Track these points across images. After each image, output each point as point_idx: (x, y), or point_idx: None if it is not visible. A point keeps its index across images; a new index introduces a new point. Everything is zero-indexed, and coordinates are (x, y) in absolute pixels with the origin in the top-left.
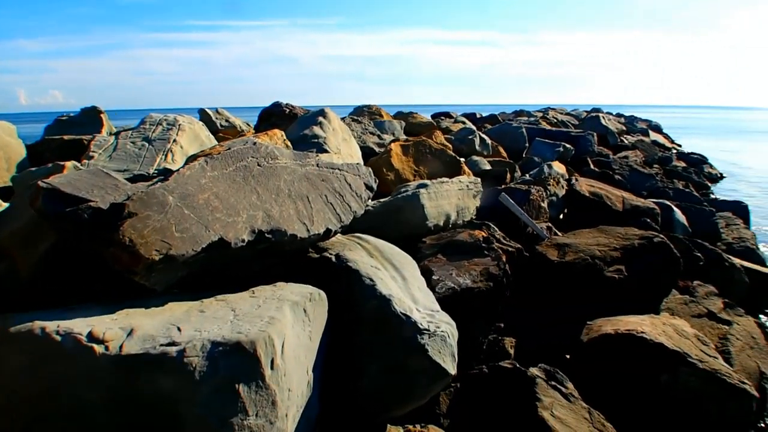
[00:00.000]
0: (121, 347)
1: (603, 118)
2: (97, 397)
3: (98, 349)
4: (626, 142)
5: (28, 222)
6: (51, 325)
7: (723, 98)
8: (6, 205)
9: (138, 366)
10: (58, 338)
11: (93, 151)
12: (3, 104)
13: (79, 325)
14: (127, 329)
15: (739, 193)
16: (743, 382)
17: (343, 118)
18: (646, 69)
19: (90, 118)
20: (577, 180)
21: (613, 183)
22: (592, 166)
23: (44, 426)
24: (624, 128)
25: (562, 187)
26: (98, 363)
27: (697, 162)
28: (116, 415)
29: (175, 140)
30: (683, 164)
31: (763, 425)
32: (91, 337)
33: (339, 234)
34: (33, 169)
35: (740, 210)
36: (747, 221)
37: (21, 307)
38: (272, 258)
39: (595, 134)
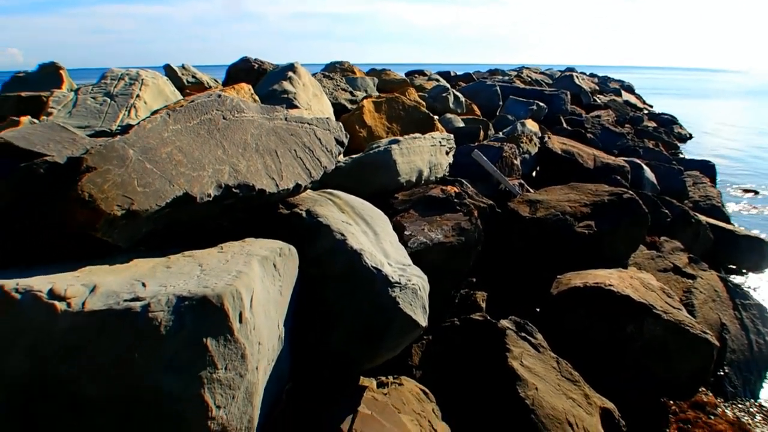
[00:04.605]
0: (83, 304)
1: (576, 77)
2: (58, 356)
3: (60, 306)
4: (599, 101)
5: None
6: (9, 284)
7: (695, 60)
8: None
9: (102, 323)
10: (17, 296)
11: (52, 108)
12: None
13: (40, 283)
14: (89, 286)
15: (707, 152)
16: (705, 332)
17: (314, 75)
18: (619, 30)
19: (49, 75)
20: (549, 138)
21: (585, 141)
22: (564, 125)
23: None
24: (597, 88)
25: (535, 144)
26: (60, 320)
27: (668, 122)
28: (77, 377)
29: (138, 95)
30: (654, 124)
31: (721, 372)
32: (52, 294)
33: (309, 190)
34: None
35: (707, 169)
36: (713, 180)
37: None
38: (240, 214)
39: (568, 93)
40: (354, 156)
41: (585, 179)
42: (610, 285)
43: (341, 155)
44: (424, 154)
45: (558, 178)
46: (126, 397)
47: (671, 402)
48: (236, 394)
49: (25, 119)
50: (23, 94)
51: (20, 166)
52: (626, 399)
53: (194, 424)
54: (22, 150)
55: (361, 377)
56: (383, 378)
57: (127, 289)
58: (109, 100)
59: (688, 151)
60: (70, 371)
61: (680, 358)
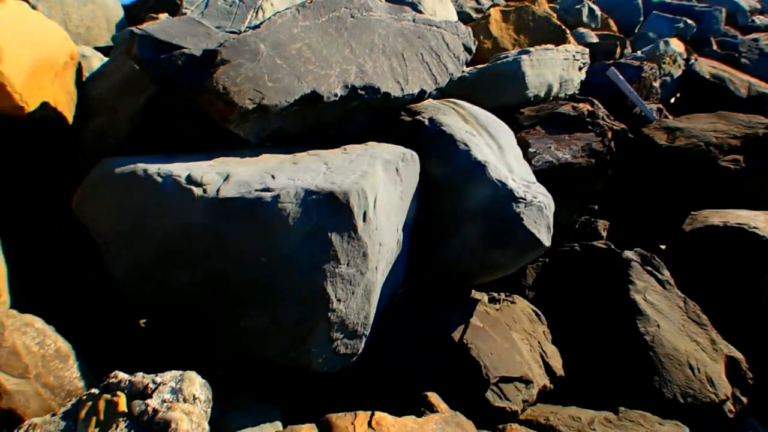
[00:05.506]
0: (218, 191)
1: None
2: (192, 236)
3: (197, 191)
4: (758, 23)
5: (127, 75)
6: (152, 168)
7: None
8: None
9: (234, 209)
10: (159, 179)
11: (186, 9)
12: None
13: (179, 169)
14: (223, 174)
15: None
16: None
17: None
18: None
19: None
20: (696, 60)
21: (739, 67)
22: (714, 47)
23: (131, 257)
24: (758, 7)
25: (679, 66)
26: (196, 204)
27: None
28: (208, 257)
29: None
30: None
31: None
32: (189, 179)
33: (431, 99)
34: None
35: None
36: None
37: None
38: (363, 118)
39: (723, 10)
40: (479, 66)
41: (735, 109)
42: (755, 227)
43: (466, 65)
44: (555, 68)
45: (702, 106)
46: (252, 278)
47: None
48: (356, 291)
49: (163, 16)
50: None
51: (161, 58)
52: (757, 350)
53: (317, 314)
54: (162, 42)
55: (473, 291)
56: (495, 294)
57: (258, 180)
58: (237, 1)
59: None
60: (203, 251)
61: None
